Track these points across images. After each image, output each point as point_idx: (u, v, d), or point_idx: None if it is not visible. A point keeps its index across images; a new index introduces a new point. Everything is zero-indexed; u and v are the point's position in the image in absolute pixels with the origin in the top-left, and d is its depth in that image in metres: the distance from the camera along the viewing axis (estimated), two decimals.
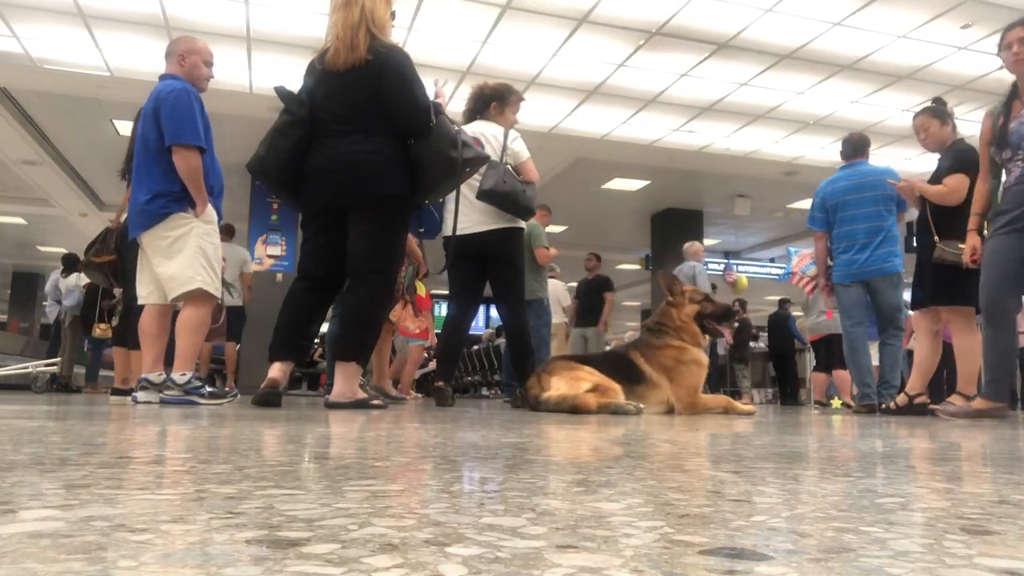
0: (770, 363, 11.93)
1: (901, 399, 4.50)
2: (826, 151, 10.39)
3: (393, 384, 6.27)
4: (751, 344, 12.22)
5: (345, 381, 3.17)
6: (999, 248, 3.70)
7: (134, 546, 0.47)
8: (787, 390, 10.96)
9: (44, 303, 10.26)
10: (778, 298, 11.85)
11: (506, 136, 4.13)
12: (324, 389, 6.35)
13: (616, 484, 0.83)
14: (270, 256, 11.10)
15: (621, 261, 17.88)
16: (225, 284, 6.68)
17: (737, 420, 3.01)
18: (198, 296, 3.51)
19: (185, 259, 3.47)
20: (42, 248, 17.19)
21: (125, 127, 9.54)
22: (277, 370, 3.27)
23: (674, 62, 8.12)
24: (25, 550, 0.45)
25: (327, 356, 5.99)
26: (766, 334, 11.95)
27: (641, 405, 3.22)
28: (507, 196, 3.97)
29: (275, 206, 11.01)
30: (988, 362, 3.76)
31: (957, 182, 4.21)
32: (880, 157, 9.72)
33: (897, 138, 9.84)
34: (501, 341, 10.37)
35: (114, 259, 4.50)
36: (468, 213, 4.10)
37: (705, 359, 3.63)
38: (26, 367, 8.11)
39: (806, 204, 6.60)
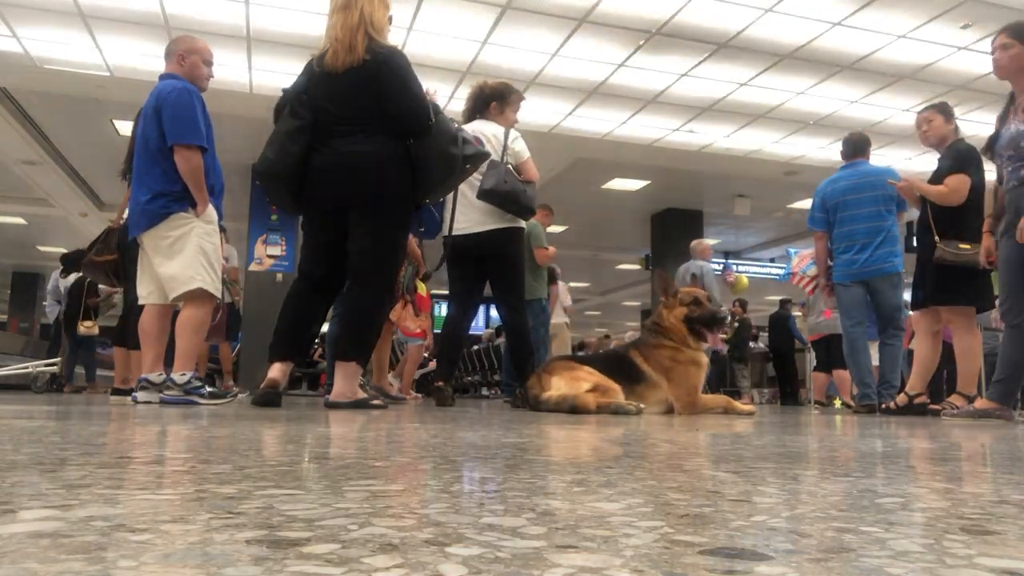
0: (770, 363, 11.92)
1: (901, 399, 4.50)
2: (826, 151, 10.39)
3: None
4: (751, 344, 12.21)
5: (345, 381, 3.17)
6: (1005, 251, 3.75)
7: (134, 546, 0.47)
8: (787, 390, 10.96)
9: (44, 303, 10.27)
10: (778, 298, 11.85)
11: (506, 135, 4.12)
12: (324, 389, 6.35)
13: (616, 484, 0.83)
14: (270, 256, 11.10)
15: (621, 261, 17.89)
16: (224, 283, 6.69)
17: (737, 420, 3.01)
18: (198, 296, 3.51)
19: (186, 259, 3.47)
20: (42, 248, 17.19)
21: (125, 127, 9.53)
22: (277, 370, 3.27)
23: (674, 62, 8.12)
24: (25, 550, 0.45)
25: (327, 356, 5.99)
26: (766, 334, 11.94)
27: (642, 405, 3.22)
28: (508, 196, 3.97)
29: (274, 207, 11.01)
30: (1002, 361, 3.75)
31: (957, 182, 4.21)
32: (880, 157, 9.72)
33: (897, 138, 9.84)
34: (501, 341, 10.36)
35: (115, 258, 4.50)
36: (468, 213, 4.10)
37: (704, 359, 3.62)
38: (26, 367, 8.11)
39: (806, 204, 6.60)
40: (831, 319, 7.09)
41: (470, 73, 8.17)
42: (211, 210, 3.59)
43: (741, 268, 15.20)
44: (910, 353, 5.30)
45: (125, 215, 4.08)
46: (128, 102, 8.41)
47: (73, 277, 8.41)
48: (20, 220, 15.07)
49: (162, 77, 3.66)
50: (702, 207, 13.49)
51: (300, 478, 0.84)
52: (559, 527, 0.56)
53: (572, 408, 3.15)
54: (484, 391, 13.65)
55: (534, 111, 9.12)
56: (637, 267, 16.67)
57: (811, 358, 8.99)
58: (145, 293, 3.65)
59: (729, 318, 10.90)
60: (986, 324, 6.29)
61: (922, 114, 4.58)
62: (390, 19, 3.38)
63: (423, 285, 6.10)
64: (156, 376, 3.52)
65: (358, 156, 3.18)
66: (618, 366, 3.53)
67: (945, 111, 4.51)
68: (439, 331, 4.77)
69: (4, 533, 0.50)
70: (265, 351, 3.44)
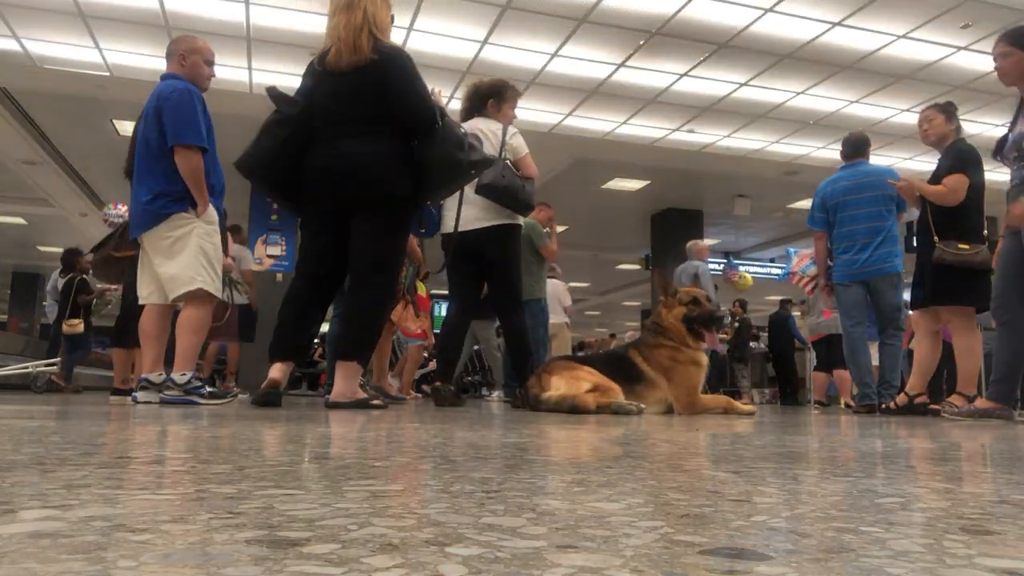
0: (770, 363, 11.93)
1: (901, 399, 4.50)
2: (826, 151, 10.39)
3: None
4: (751, 344, 12.22)
5: (345, 381, 3.17)
6: (1003, 250, 3.78)
7: (134, 546, 0.47)
8: (787, 390, 10.96)
9: (44, 303, 10.25)
10: (778, 298, 11.84)
11: (504, 131, 4.12)
12: (324, 389, 6.34)
13: (616, 484, 0.83)
14: (270, 256, 11.11)
15: (621, 261, 17.90)
16: (233, 283, 6.68)
17: (737, 420, 3.01)
18: (199, 296, 3.51)
19: (186, 259, 3.47)
20: (42, 248, 17.20)
21: (125, 127, 9.54)
22: (277, 370, 3.26)
23: (674, 62, 8.12)
24: (25, 550, 0.45)
25: (327, 356, 5.98)
26: (766, 334, 11.94)
27: (642, 405, 3.22)
28: (506, 191, 3.94)
29: (275, 206, 11.02)
30: (997, 361, 3.77)
31: (956, 182, 4.21)
32: (880, 157, 9.73)
33: (897, 138, 9.84)
34: (500, 341, 10.35)
35: (134, 254, 4.50)
36: (467, 209, 4.09)
37: (703, 359, 3.61)
38: (26, 367, 8.11)
39: (806, 204, 6.60)
40: (831, 319, 7.09)
41: (470, 73, 8.17)
42: (211, 210, 3.59)
43: (741, 268, 15.21)
44: (910, 353, 5.30)
45: None
46: (128, 102, 8.41)
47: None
48: (20, 220, 15.07)
49: (163, 77, 3.65)
50: (702, 207, 13.49)
51: (300, 478, 0.84)
52: (559, 527, 0.56)
53: (572, 408, 3.15)
54: (484, 391, 13.64)
55: (534, 111, 9.12)
56: (637, 267, 16.68)
57: (811, 358, 8.99)
58: (145, 293, 3.65)
59: (729, 318, 10.92)
60: (986, 324, 6.28)
61: (923, 113, 4.59)
62: (392, 19, 3.38)
63: (423, 285, 6.10)
64: (156, 376, 3.52)
65: (360, 156, 3.17)
66: (618, 366, 3.52)
67: (947, 111, 4.51)
68: (439, 331, 4.76)
69: (4, 533, 0.50)
70: (265, 351, 3.44)
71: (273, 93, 3.33)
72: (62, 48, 7.84)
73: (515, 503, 0.68)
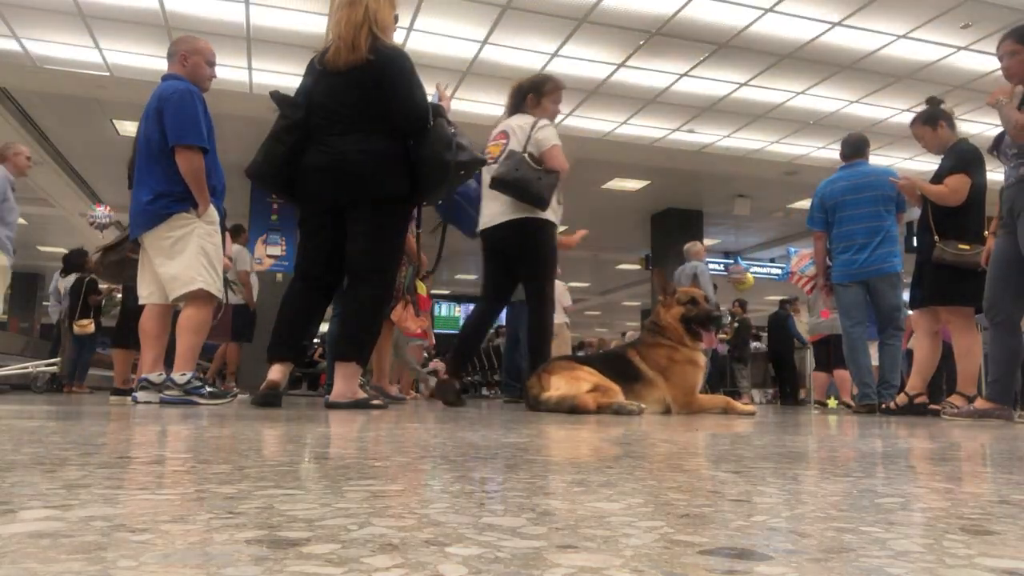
0: (770, 363, 11.92)
1: (901, 399, 4.50)
2: (826, 151, 10.39)
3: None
4: (751, 344, 12.21)
5: (345, 381, 3.17)
6: (995, 249, 3.79)
7: (134, 546, 0.47)
8: (787, 390, 10.95)
9: (45, 303, 10.26)
10: (778, 298, 11.83)
11: (534, 125, 4.03)
12: (324, 389, 6.34)
13: (616, 484, 0.83)
14: (270, 256, 11.11)
15: (621, 261, 17.89)
16: (228, 283, 6.67)
17: (737, 420, 3.00)
18: (199, 296, 3.51)
19: (187, 259, 3.47)
20: (42, 248, 17.21)
21: (125, 127, 9.54)
22: (276, 371, 3.26)
23: (674, 62, 8.12)
24: (25, 550, 0.45)
25: (327, 356, 5.98)
26: (766, 334, 11.93)
27: (643, 405, 3.22)
28: (515, 184, 3.87)
29: (275, 206, 11.03)
30: (992, 361, 3.78)
31: (957, 182, 4.21)
32: (880, 157, 9.74)
33: (897, 138, 9.84)
34: (501, 341, 10.36)
35: None
36: (490, 205, 4.07)
37: (702, 359, 3.61)
38: (26, 367, 8.11)
39: (806, 204, 6.60)
40: (830, 319, 7.09)
41: (470, 73, 8.17)
42: (212, 210, 3.59)
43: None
44: (910, 353, 5.30)
45: None
46: (128, 102, 8.42)
47: (73, 277, 8.40)
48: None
49: (164, 78, 3.66)
50: (702, 207, 13.49)
51: (300, 478, 0.84)
52: (559, 527, 0.56)
53: (572, 408, 3.15)
54: (484, 391, 13.65)
55: None
56: (637, 267, 16.67)
57: (811, 358, 8.99)
58: (146, 293, 3.65)
59: (728, 318, 10.91)
60: (985, 324, 6.29)
61: (912, 130, 4.58)
62: (396, 18, 3.35)
63: (423, 285, 6.10)
64: (156, 376, 3.52)
65: (357, 155, 3.17)
66: (617, 366, 3.52)
67: (929, 120, 4.45)
68: (438, 331, 4.75)
69: (4, 533, 0.50)
70: (264, 351, 3.44)
71: (276, 97, 3.33)
72: (62, 48, 7.84)
73: (515, 503, 0.68)
